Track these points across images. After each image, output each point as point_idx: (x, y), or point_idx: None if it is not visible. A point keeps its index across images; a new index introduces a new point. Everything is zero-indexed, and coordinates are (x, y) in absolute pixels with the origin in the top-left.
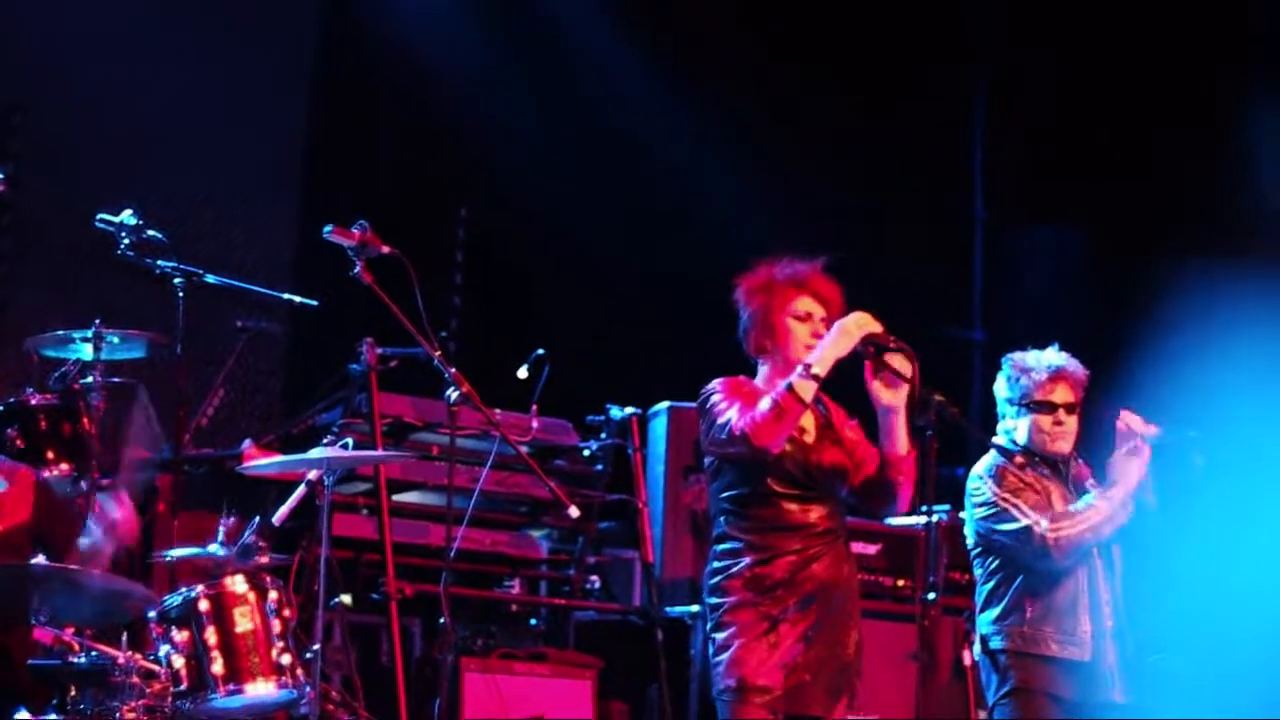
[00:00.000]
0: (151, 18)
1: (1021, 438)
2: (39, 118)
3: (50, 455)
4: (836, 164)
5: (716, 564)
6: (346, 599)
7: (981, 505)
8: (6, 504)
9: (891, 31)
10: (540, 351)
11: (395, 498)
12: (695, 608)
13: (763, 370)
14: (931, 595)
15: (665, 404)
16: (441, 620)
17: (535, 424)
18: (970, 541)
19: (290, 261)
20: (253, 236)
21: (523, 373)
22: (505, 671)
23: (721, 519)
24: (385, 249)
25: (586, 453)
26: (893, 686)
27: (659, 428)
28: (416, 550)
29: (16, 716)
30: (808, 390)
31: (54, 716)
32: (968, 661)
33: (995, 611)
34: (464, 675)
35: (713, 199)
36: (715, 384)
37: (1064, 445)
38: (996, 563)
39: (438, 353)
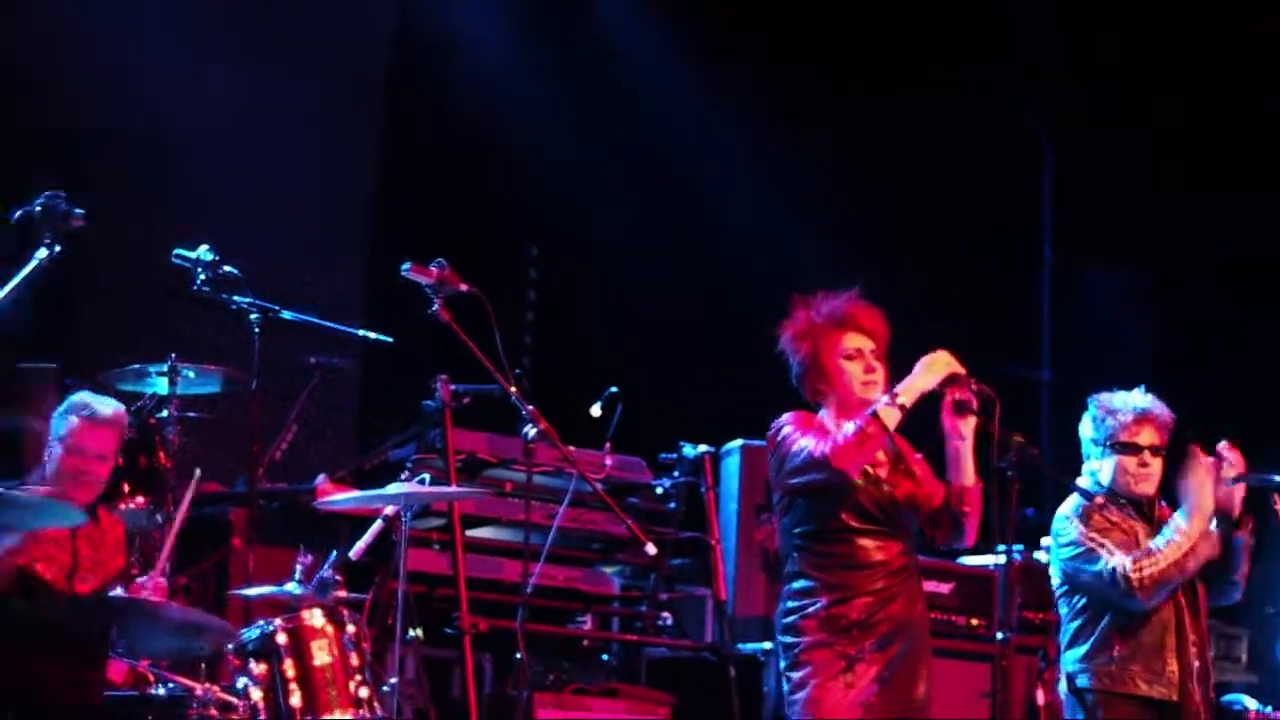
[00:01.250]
0: (225, 56)
1: (1106, 479)
2: (113, 153)
3: (126, 488)
4: (908, 209)
5: (791, 604)
6: (419, 633)
7: (1068, 545)
8: (106, 548)
9: (961, 75)
10: (613, 389)
11: (468, 533)
12: (767, 645)
13: (824, 413)
14: (1006, 634)
15: (738, 442)
16: (518, 656)
17: (609, 461)
18: (1056, 581)
19: (360, 298)
20: (321, 273)
21: (596, 410)
22: (578, 707)
23: (795, 555)
24: (463, 286)
25: (660, 490)
26: None
27: (731, 466)
28: (489, 585)
29: None
30: (892, 418)
31: None
32: (1041, 701)
33: (1082, 650)
34: (537, 710)
35: (784, 239)
36: (786, 417)
37: (1148, 487)
38: (1083, 601)
39: (515, 390)
